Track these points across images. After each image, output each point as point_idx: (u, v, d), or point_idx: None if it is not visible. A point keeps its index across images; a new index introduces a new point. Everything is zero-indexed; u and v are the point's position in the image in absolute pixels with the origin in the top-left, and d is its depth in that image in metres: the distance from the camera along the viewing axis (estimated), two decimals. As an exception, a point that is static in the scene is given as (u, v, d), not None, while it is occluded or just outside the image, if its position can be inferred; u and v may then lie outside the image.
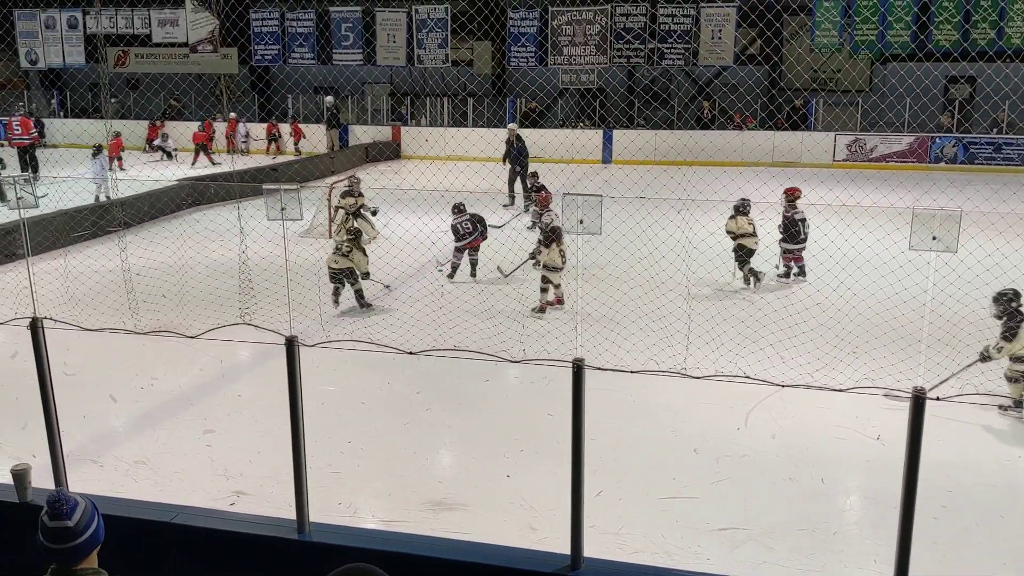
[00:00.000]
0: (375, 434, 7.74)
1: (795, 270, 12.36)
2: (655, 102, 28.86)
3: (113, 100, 31.49)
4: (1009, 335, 7.81)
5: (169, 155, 27.52)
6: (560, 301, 10.82)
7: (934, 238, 5.37)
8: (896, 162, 25.46)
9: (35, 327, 5.16)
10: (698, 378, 7.04)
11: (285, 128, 29.63)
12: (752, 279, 11.49)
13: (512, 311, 9.89)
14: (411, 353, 7.69)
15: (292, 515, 4.83)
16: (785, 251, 12.34)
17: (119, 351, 9.43)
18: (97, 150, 18.82)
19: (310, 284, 10.20)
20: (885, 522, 5.78)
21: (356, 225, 13.07)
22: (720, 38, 26.86)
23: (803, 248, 12.07)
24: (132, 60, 28.40)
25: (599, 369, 6.80)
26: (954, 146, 25.51)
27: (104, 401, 8.45)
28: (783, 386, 7.16)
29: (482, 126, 28.78)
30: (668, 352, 8.20)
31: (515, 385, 8.84)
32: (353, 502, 6.56)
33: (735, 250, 11.59)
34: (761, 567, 5.74)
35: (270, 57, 30.24)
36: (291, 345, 4.90)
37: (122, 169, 23.83)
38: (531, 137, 26.57)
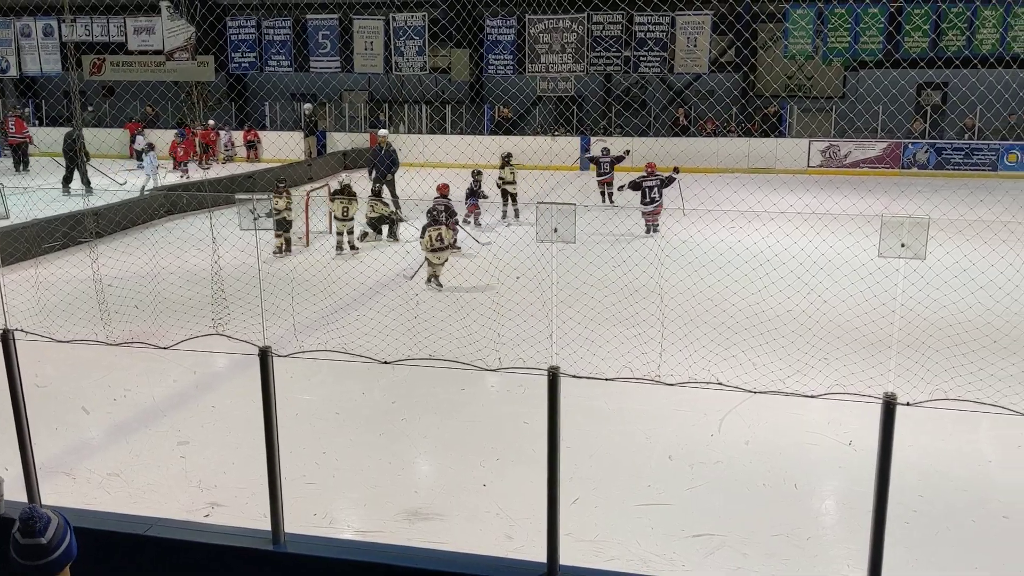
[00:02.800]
0: (350, 444, 7.73)
1: (653, 229, 15.77)
2: (631, 109, 29.03)
3: (89, 108, 31.26)
4: None
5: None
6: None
7: (903, 245, 5.45)
8: (869, 168, 25.71)
9: (6, 338, 5.11)
10: (672, 385, 7.10)
11: (264, 135, 29.53)
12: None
13: (487, 319, 9.90)
14: (386, 362, 7.71)
15: (267, 526, 4.81)
16: (643, 213, 15.95)
17: (92, 362, 9.36)
18: (149, 147, 22.32)
19: (283, 293, 10.17)
20: (858, 526, 5.83)
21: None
22: (695, 46, 27.04)
23: (654, 208, 15.88)
24: (108, 68, 28.15)
25: (574, 377, 6.85)
26: (926, 152, 25.80)
27: (77, 413, 8.37)
28: (756, 392, 7.25)
29: (460, 133, 28.84)
30: (642, 359, 8.24)
31: (491, 393, 8.85)
32: (328, 512, 6.54)
33: None
34: (736, 573, 5.78)
35: (247, 65, 30.13)
36: (264, 356, 4.89)
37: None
38: (507, 144, 26.73)
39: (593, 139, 22.37)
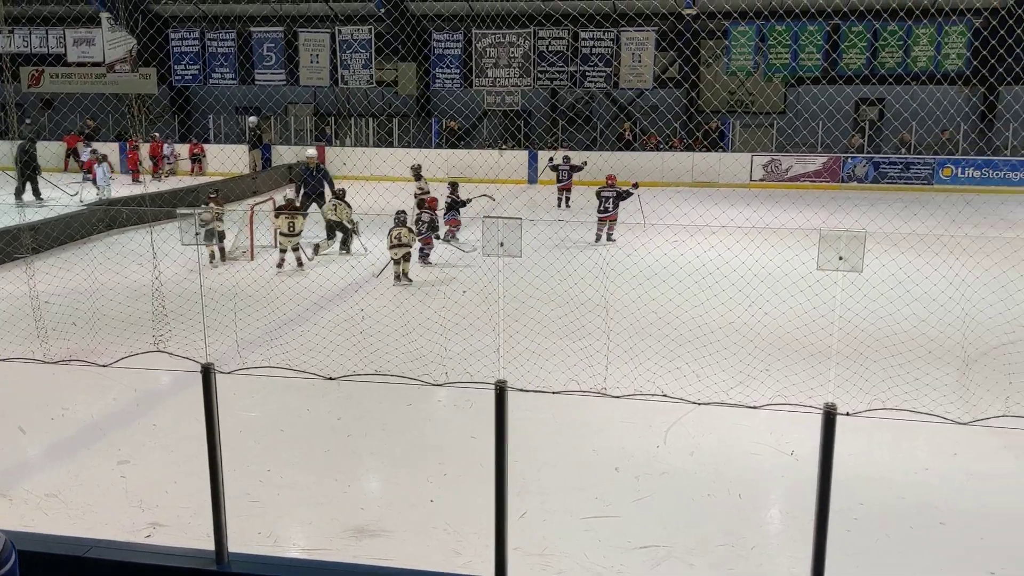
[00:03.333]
0: (295, 461, 7.63)
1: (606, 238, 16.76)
2: (577, 123, 29.29)
3: (27, 121, 30.55)
4: None
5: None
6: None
7: (840, 258, 5.58)
8: (810, 181, 26.25)
9: (-64, 359, 4.97)
10: (618, 397, 7.17)
11: (208, 148, 29.15)
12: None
13: (434, 333, 9.89)
14: (331, 378, 7.67)
15: (210, 546, 4.73)
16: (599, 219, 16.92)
17: (28, 381, 9.12)
18: (102, 159, 22.78)
19: (226, 309, 10.03)
20: (801, 535, 5.91)
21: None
22: (639, 61, 27.42)
23: (610, 217, 16.82)
24: (47, 80, 27.63)
25: (522, 391, 6.88)
26: (865, 166, 26.43)
27: (13, 432, 8.15)
28: (700, 404, 7.36)
29: (408, 146, 28.81)
30: (589, 372, 8.29)
31: (438, 408, 8.82)
32: (273, 531, 6.45)
33: None
34: (682, 583, 5.83)
35: (190, 77, 29.78)
36: (207, 372, 4.82)
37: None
38: (453, 158, 26.79)
39: (557, 152, 23.54)
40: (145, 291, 10.33)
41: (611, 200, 17.01)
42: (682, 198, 18.13)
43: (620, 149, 27.66)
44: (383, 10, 28.03)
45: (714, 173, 26.54)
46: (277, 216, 15.15)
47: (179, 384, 8.84)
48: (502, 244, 6.06)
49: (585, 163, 19.27)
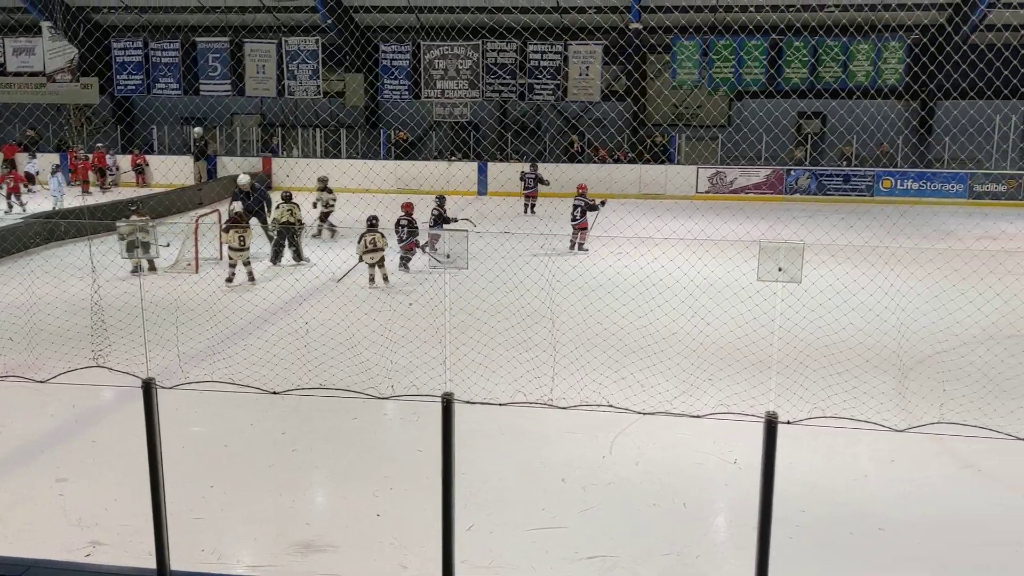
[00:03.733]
0: (239, 477, 7.54)
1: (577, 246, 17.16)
2: (526, 135, 29.44)
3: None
4: None
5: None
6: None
7: (780, 269, 5.71)
8: (754, 193, 26.69)
9: None
10: (564, 408, 7.21)
11: (152, 159, 28.67)
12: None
13: (379, 346, 9.83)
14: (275, 393, 7.59)
15: (152, 564, 4.67)
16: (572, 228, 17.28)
17: (-39, 398, 8.88)
18: (56, 168, 22.52)
19: (168, 322, 9.87)
20: (745, 543, 6.00)
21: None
22: (587, 74, 27.71)
23: (579, 226, 17.17)
24: (-15, 89, 27.05)
25: (468, 403, 6.89)
26: (807, 178, 26.96)
27: (-55, 452, 7.92)
28: (645, 413, 7.43)
29: (355, 157, 28.68)
30: (535, 383, 8.32)
31: (383, 421, 8.77)
32: (217, 548, 6.36)
33: None
34: (629, 593, 5.87)
35: (133, 87, 29.35)
36: (148, 388, 4.77)
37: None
38: (399, 169, 26.74)
39: (530, 165, 24.39)
40: (84, 305, 10.12)
41: (578, 209, 17.41)
42: (626, 210, 18.35)
43: (568, 161, 27.84)
44: (330, 21, 27.90)
45: (660, 185, 26.85)
46: (227, 231, 14.97)
47: (120, 400, 8.68)
48: (450, 256, 6.09)
49: (604, 202, 18.35)
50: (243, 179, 17.16)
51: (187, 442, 7.88)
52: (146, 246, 14.62)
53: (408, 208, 15.56)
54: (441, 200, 16.97)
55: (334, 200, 18.74)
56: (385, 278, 14.23)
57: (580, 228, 17.42)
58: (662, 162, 28.01)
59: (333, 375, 8.71)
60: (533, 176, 23.29)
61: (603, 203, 17.69)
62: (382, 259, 14.18)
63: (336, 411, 8.59)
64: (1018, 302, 10.31)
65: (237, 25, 28.76)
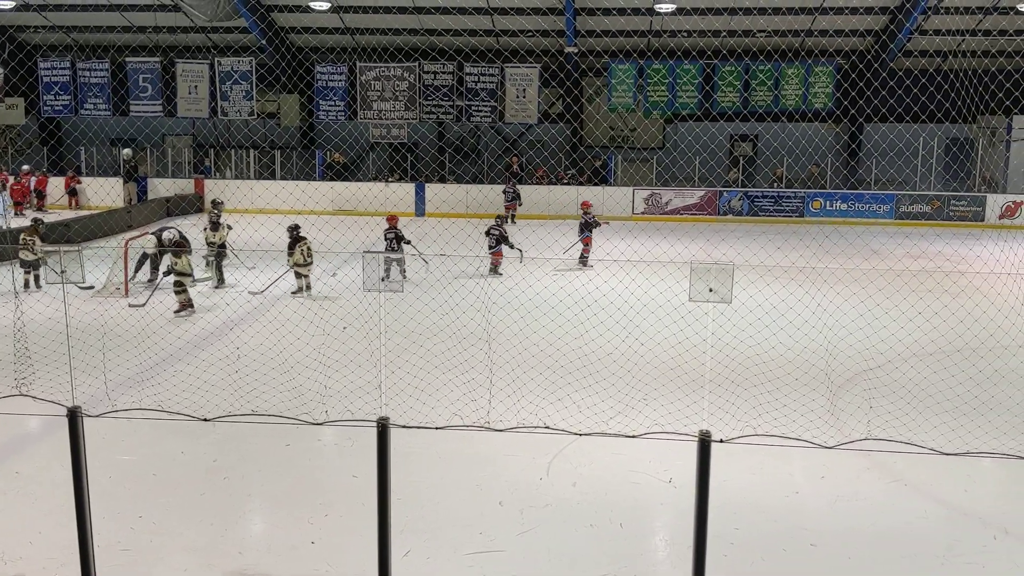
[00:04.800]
0: (169, 506, 7.35)
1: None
2: (465, 157, 29.51)
3: None
4: None
5: None
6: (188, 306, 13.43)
7: (711, 289, 5.81)
8: (690, 215, 27.10)
9: None
10: (501, 431, 7.20)
11: (90, 181, 28.00)
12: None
13: (313, 371, 9.70)
14: (206, 420, 7.44)
15: (76, 599, 4.51)
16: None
17: None
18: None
19: (94, 348, 9.61)
20: (681, 561, 6.06)
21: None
22: (524, 96, 27.92)
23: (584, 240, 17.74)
24: (-96, 109, 26.13)
25: (404, 427, 6.83)
26: (740, 200, 27.48)
27: None
28: (581, 435, 7.46)
29: (291, 179, 28.41)
30: (472, 406, 8.29)
31: (318, 448, 8.64)
32: (145, 581, 6.19)
33: None
34: (565, 615, 5.86)
35: (61, 108, 28.71)
36: (73, 416, 4.64)
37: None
38: (334, 191, 26.59)
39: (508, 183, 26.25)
40: (6, 331, 9.80)
41: (580, 226, 18.27)
42: (560, 232, 18.48)
43: (508, 182, 27.95)
44: (264, 42, 27.69)
45: (597, 206, 27.09)
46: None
47: (44, 429, 8.42)
48: (383, 279, 6.06)
49: (605, 223, 19.46)
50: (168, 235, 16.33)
51: (115, 472, 7.67)
52: (36, 264, 14.56)
53: (393, 220, 17.28)
54: (393, 220, 17.57)
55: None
56: (308, 287, 14.99)
57: (584, 243, 18.08)
58: (604, 183, 28.30)
59: (266, 401, 8.57)
60: (512, 191, 26.15)
61: (606, 223, 18.84)
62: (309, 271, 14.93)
63: (269, 437, 8.45)
64: (939, 320, 10.63)
65: (169, 45, 28.37)
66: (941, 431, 8.07)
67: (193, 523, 7.06)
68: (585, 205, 19.37)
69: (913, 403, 9.21)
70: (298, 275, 15.27)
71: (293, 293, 15.09)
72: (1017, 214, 26.25)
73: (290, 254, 15.16)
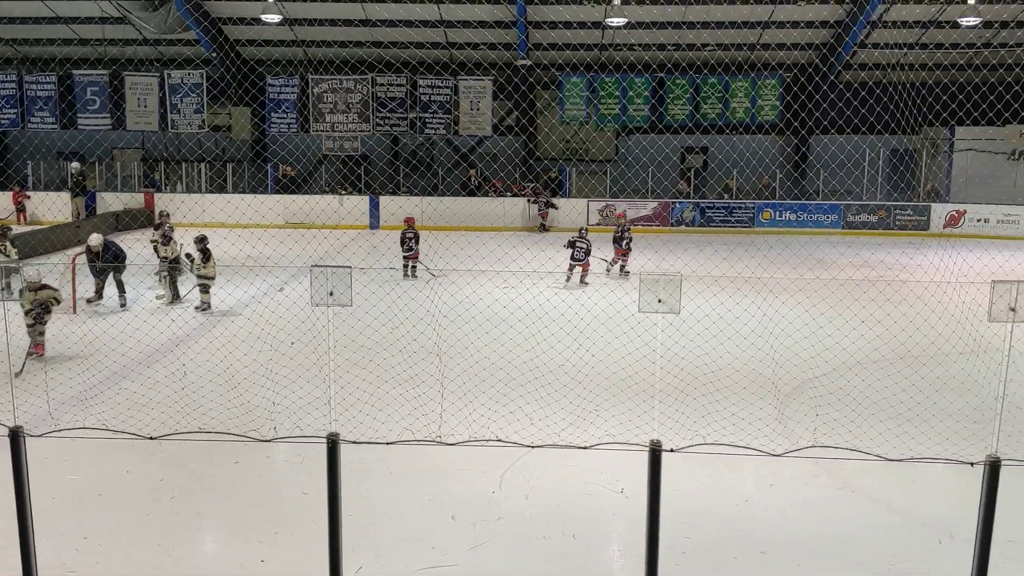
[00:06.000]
0: (115, 527, 7.21)
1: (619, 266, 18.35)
2: (419, 170, 29.46)
3: None
4: None
5: None
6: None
7: (659, 301, 5.86)
8: (643, 225, 27.29)
9: None
10: (452, 444, 7.18)
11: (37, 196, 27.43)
12: None
13: (260, 387, 9.58)
14: (151, 438, 7.32)
15: (18, 624, 4.40)
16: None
17: None
18: None
19: (36, 367, 9.41)
20: (634, 571, 6.08)
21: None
22: (478, 109, 27.97)
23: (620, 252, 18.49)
24: None
25: (354, 443, 6.77)
26: (692, 210, 27.79)
27: None
28: (533, 447, 7.47)
29: (242, 192, 28.14)
30: (423, 420, 8.26)
31: (267, 465, 8.53)
32: (89, 604, 6.06)
33: None
34: (518, 629, 5.84)
35: (7, 121, 28.17)
36: (15, 436, 4.54)
37: None
38: (285, 205, 26.41)
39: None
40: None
41: (613, 238, 19.01)
42: (510, 244, 18.49)
43: (464, 195, 27.99)
44: (214, 54, 27.43)
45: (553, 218, 27.24)
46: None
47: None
48: (331, 293, 6.01)
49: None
50: (95, 239, 15.84)
51: (59, 492, 7.51)
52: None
53: (411, 221, 18.61)
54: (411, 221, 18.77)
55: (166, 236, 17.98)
56: (208, 305, 14.63)
57: (621, 254, 18.67)
58: (557, 195, 28.44)
59: (213, 418, 8.45)
60: (543, 201, 27.27)
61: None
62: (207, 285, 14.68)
63: (217, 455, 8.33)
64: (883, 328, 10.84)
65: (117, 58, 27.98)
66: (886, 437, 8.21)
67: (140, 544, 6.94)
68: (621, 216, 20.82)
69: (858, 410, 9.38)
70: (205, 289, 14.79)
71: (199, 308, 14.75)
72: (960, 223, 26.90)
73: (203, 265, 14.74)
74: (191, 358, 11.23)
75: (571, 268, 17.06)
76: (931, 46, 25.75)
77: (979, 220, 26.77)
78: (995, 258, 16.62)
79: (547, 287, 9.42)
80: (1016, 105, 21.50)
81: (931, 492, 8.00)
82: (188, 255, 15.32)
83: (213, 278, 14.77)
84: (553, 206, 27.20)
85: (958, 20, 24.32)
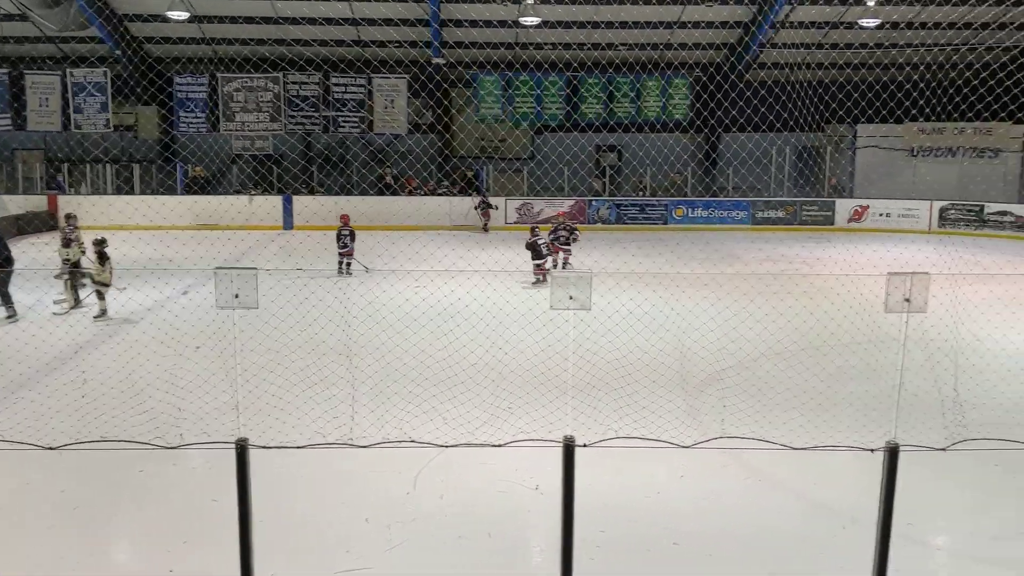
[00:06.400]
0: (14, 542, 6.94)
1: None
2: (334, 168, 29.11)
3: None
4: None
5: None
6: None
7: (571, 298, 5.91)
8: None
9: None
10: (365, 447, 7.11)
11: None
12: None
13: (165, 393, 9.33)
14: (51, 448, 7.06)
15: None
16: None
17: None
18: None
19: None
20: (550, 567, 6.11)
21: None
22: (392, 108, 27.80)
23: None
24: None
25: (264, 448, 6.65)
26: (607, 208, 28.11)
27: None
28: (447, 447, 7.45)
29: (150, 193, 27.39)
30: (335, 423, 8.16)
31: (174, 473, 8.29)
32: (-15, 625, 5.81)
33: None
34: (435, 629, 5.82)
35: (-101, 122, 26.90)
36: None
37: None
38: (197, 205, 25.80)
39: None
40: None
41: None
42: (424, 240, 18.45)
43: (380, 194, 27.75)
44: (119, 52, 26.62)
45: (472, 217, 27.23)
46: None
47: None
48: (236, 296, 5.89)
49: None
50: None
51: (-51, 509, 7.18)
52: None
53: (346, 219, 18.76)
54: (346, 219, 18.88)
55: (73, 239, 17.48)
56: (104, 312, 14.02)
57: (557, 251, 18.68)
58: (471, 194, 28.45)
59: (116, 426, 8.19)
60: (481, 201, 27.29)
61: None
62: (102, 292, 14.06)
63: (121, 464, 8.07)
64: (780, 320, 11.14)
65: (17, 56, 26.93)
66: (790, 427, 8.44)
67: (40, 559, 6.68)
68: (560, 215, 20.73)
69: (764, 400, 9.61)
70: (101, 295, 14.16)
71: (96, 318, 14.04)
72: (863, 218, 27.85)
73: (101, 271, 14.00)
74: (91, 364, 10.88)
75: (541, 267, 16.75)
76: (833, 46, 26.60)
77: (881, 214, 27.78)
78: (894, 250, 17.24)
79: (458, 285, 9.37)
80: (912, 103, 22.35)
81: (836, 479, 8.23)
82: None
83: (108, 285, 14.06)
84: (490, 206, 27.18)
85: (858, 21, 25.17)
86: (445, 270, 9.52)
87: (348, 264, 18.33)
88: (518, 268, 10.41)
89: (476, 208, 27.19)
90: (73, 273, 15.01)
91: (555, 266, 18.47)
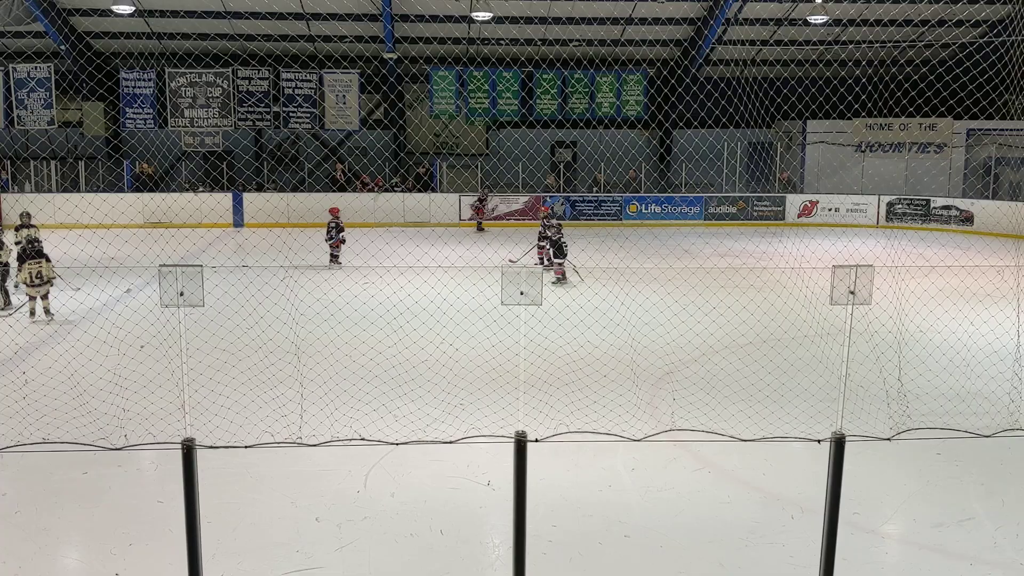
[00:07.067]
0: (-50, 549, 6.75)
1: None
2: (285, 165, 28.80)
3: None
4: None
5: None
6: None
7: (522, 293, 5.90)
8: (515, 220, 27.53)
9: None
10: (314, 446, 7.04)
11: None
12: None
13: (109, 393, 9.13)
14: (-11, 452, 6.89)
15: None
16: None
17: None
18: None
19: None
20: (502, 563, 6.11)
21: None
22: (345, 103, 27.57)
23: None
24: None
25: (211, 448, 6.56)
26: (562, 204, 28.16)
27: None
28: (397, 444, 7.41)
29: (96, 191, 26.84)
30: (283, 422, 8.07)
31: (118, 474, 8.13)
32: (-81, 634, 5.64)
33: None
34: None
35: None
36: None
37: None
38: (153, 201, 25.33)
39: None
40: None
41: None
42: (378, 237, 18.34)
43: (332, 190, 27.50)
44: (64, 47, 26.04)
45: (425, 213, 27.13)
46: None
47: None
48: (182, 294, 5.78)
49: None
50: None
51: None
52: None
53: (335, 212, 19.28)
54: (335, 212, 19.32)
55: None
56: (47, 311, 13.74)
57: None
58: (430, 189, 28.34)
59: (59, 428, 8.01)
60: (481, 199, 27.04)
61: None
62: (47, 291, 13.78)
63: (64, 467, 7.91)
64: (732, 314, 11.26)
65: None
66: (739, 419, 8.53)
67: (-21, 565, 6.51)
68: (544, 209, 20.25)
69: (714, 393, 9.70)
70: (30, 297, 13.84)
71: (39, 320, 13.72)
72: (813, 213, 28.27)
73: (48, 268, 13.81)
74: (32, 365, 10.62)
75: (561, 266, 16.30)
76: (782, 43, 26.93)
77: (830, 209, 28.21)
78: (841, 244, 17.53)
79: (408, 281, 9.31)
80: (858, 100, 22.74)
81: (785, 469, 8.34)
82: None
83: (34, 286, 13.73)
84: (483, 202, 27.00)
85: (808, 18, 25.51)
86: (394, 266, 9.44)
87: (335, 256, 18.89)
88: (468, 264, 10.41)
89: (476, 204, 27.02)
90: (3, 274, 14.65)
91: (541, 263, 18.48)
